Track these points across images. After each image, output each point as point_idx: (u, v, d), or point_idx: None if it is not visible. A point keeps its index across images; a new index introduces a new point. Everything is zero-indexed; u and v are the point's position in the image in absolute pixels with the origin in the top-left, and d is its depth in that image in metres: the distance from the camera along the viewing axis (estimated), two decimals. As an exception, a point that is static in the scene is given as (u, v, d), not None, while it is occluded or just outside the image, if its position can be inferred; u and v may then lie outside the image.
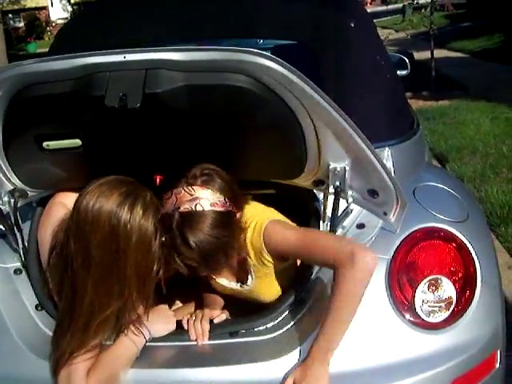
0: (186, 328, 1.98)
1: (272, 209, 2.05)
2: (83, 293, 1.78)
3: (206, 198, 1.78)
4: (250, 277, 2.05)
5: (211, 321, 2.00)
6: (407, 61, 4.52)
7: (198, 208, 1.76)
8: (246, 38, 3.11)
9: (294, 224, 2.03)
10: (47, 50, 3.26)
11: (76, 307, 1.80)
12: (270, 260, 1.96)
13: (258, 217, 1.96)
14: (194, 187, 1.79)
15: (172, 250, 1.79)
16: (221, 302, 2.24)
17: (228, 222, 1.82)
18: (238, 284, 2.10)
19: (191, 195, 1.78)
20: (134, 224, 1.76)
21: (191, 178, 1.82)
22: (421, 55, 10.78)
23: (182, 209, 1.77)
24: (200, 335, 1.94)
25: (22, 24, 36.79)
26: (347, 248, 1.81)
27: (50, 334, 1.98)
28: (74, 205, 1.82)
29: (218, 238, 1.78)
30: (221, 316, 2.04)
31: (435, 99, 9.30)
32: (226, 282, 2.13)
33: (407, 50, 6.56)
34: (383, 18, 23.90)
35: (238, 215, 1.87)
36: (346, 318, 1.81)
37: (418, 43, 14.10)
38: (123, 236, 1.75)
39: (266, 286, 2.05)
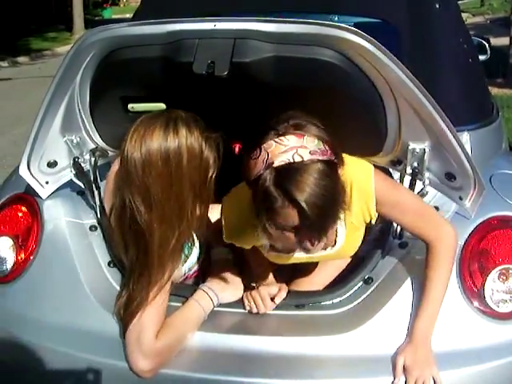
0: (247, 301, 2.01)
1: None
2: (151, 232, 1.80)
3: (303, 147, 1.52)
4: (338, 241, 1.92)
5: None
6: (487, 45, 4.42)
7: (297, 158, 1.49)
8: (326, 14, 3.09)
9: None
10: (122, 16, 3.30)
11: (147, 249, 1.83)
12: (374, 214, 1.85)
13: (361, 166, 1.82)
14: (286, 136, 1.54)
15: (275, 224, 1.54)
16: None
17: (333, 173, 1.54)
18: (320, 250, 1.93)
19: (285, 146, 1.52)
20: (183, 146, 1.75)
21: (281, 127, 1.57)
22: (497, 41, 10.46)
23: (276, 164, 1.50)
24: (261, 306, 1.96)
25: (98, -10, 37.23)
26: (447, 225, 1.88)
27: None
28: (120, 158, 1.83)
29: (328, 192, 1.49)
30: (281, 294, 2.01)
31: (510, 87, 9.06)
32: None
33: (483, 35, 6.41)
34: (460, 1, 23.24)
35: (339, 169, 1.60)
36: (442, 296, 1.86)
37: (496, 29, 13.68)
38: (175, 162, 1.75)
39: (349, 245, 1.96)
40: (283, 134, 1.55)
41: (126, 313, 1.89)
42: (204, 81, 1.67)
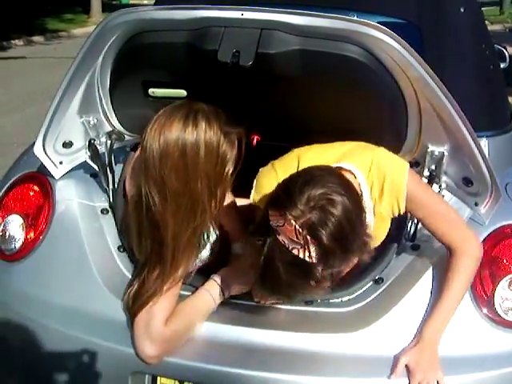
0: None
1: None
2: (165, 224, 1.80)
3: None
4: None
5: None
6: (506, 54, 4.39)
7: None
8: (348, 10, 3.07)
9: None
10: (139, 1, 3.28)
11: (162, 241, 1.83)
12: (403, 208, 1.83)
13: (397, 162, 1.82)
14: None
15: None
16: None
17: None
18: None
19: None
20: (201, 140, 1.74)
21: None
22: (515, 50, 10.43)
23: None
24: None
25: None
26: (474, 239, 1.88)
27: (129, 275, 2.05)
28: (141, 146, 1.84)
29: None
30: None
31: (525, 97, 8.99)
32: None
33: (501, 44, 6.36)
34: (479, 9, 23.12)
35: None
36: (457, 305, 1.86)
37: (513, 38, 13.64)
38: (192, 155, 1.74)
39: (375, 235, 1.88)
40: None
41: (136, 302, 1.89)
42: (227, 70, 1.65)
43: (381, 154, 1.82)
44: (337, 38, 1.64)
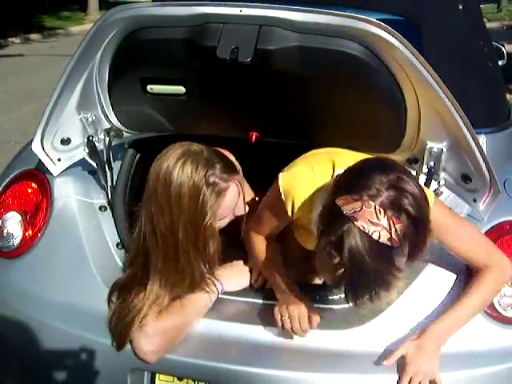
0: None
1: None
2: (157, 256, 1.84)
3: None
4: None
5: None
6: (504, 51, 4.40)
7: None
8: (347, 7, 3.07)
9: None
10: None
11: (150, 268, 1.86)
12: None
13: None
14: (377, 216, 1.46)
15: None
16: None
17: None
18: None
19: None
20: (184, 182, 1.74)
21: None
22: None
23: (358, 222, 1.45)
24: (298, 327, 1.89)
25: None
26: (504, 258, 1.86)
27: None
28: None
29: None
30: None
31: (524, 94, 9.01)
32: None
33: (498, 41, 6.35)
34: (477, 6, 23.12)
35: None
36: (472, 315, 1.85)
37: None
38: (175, 194, 1.75)
39: None
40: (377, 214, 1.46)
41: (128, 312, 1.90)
42: (227, 66, 1.65)
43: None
44: (336, 34, 1.64)
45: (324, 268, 1.58)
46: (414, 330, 1.86)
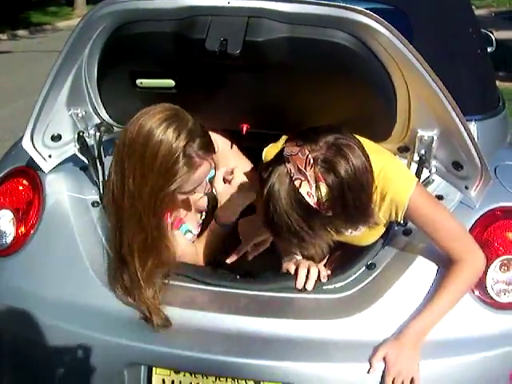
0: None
1: None
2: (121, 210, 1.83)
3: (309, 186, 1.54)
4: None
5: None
6: (493, 38, 4.41)
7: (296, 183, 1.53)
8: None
9: None
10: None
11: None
12: (400, 219, 1.86)
13: (403, 179, 1.82)
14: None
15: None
16: None
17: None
18: None
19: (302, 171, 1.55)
20: (163, 143, 1.74)
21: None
22: (501, 35, 10.41)
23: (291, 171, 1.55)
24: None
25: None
26: (478, 251, 1.87)
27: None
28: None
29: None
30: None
31: (513, 81, 9.03)
32: None
33: (487, 28, 6.37)
34: (464, -7, 23.12)
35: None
36: (448, 310, 1.85)
37: (499, 22, 13.67)
38: (151, 153, 1.74)
39: (369, 234, 1.96)
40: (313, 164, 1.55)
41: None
42: (216, 59, 1.65)
43: (392, 164, 1.83)
44: (325, 24, 1.64)
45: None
46: (405, 319, 1.86)
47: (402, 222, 1.92)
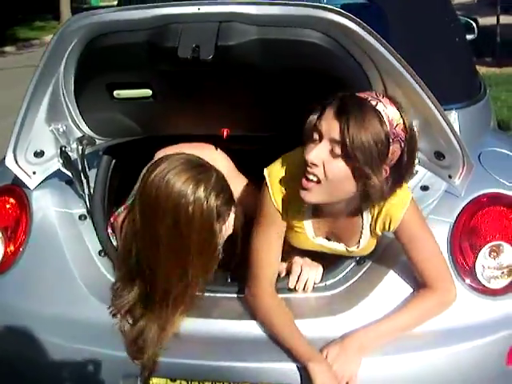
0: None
1: None
2: (156, 267, 1.79)
3: (385, 108, 1.62)
4: (362, 242, 1.93)
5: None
6: (474, 25, 4.43)
7: (373, 102, 1.62)
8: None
9: None
10: (110, 3, 3.27)
11: (152, 282, 1.82)
12: (393, 228, 1.85)
13: (400, 192, 1.77)
14: (385, 97, 1.66)
15: (318, 130, 1.65)
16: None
17: (381, 146, 1.60)
18: (345, 247, 1.96)
19: (376, 96, 1.64)
20: (197, 207, 1.70)
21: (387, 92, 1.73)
22: (485, 21, 10.43)
23: (358, 94, 1.64)
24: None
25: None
26: (452, 285, 1.89)
27: (112, 279, 2.05)
28: (142, 177, 1.81)
29: (371, 144, 1.58)
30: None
31: (499, 66, 9.08)
32: (325, 241, 1.98)
33: (471, 16, 6.40)
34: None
35: (386, 164, 1.65)
36: (403, 330, 1.85)
37: (484, 9, 13.67)
38: (184, 217, 1.70)
39: (368, 247, 1.97)
40: (384, 95, 1.68)
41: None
42: (190, 65, 1.65)
43: None
44: (296, 24, 1.65)
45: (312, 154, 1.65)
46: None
47: (390, 231, 1.89)
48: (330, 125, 1.61)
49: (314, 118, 1.68)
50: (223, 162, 2.09)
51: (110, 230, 2.13)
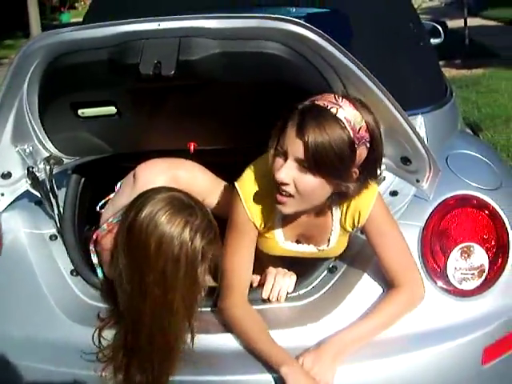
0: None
1: None
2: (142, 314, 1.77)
3: (346, 113, 1.63)
4: (332, 239, 1.94)
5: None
6: (440, 29, 4.47)
7: (333, 110, 1.62)
8: (279, 7, 3.10)
9: None
10: (81, 19, 3.26)
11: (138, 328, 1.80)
12: (362, 222, 1.86)
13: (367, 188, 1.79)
14: (344, 99, 1.66)
15: (282, 146, 1.66)
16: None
17: (347, 154, 1.62)
18: (315, 247, 1.97)
19: (336, 101, 1.65)
20: (183, 248, 1.71)
21: (348, 95, 1.71)
22: (454, 24, 10.58)
23: (316, 102, 1.65)
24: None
25: (55, -5, 36.62)
26: (421, 283, 1.90)
27: (85, 299, 2.04)
28: (125, 213, 1.80)
29: (336, 155, 1.60)
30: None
31: (468, 68, 9.18)
32: (294, 245, 1.98)
33: (440, 19, 6.48)
34: (415, -14, 23.43)
35: (354, 167, 1.67)
36: (376, 332, 1.86)
37: (452, 12, 13.86)
38: (171, 259, 1.71)
39: (339, 245, 1.97)
40: (344, 96, 1.68)
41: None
42: (153, 82, 1.65)
43: None
44: (255, 36, 1.66)
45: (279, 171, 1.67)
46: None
47: (359, 226, 1.89)
48: (293, 144, 1.63)
49: (276, 135, 1.69)
50: (203, 176, 2.10)
51: (91, 247, 2.11)
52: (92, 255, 2.10)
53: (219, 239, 1.85)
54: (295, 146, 1.62)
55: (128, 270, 1.76)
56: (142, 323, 1.77)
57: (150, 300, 1.73)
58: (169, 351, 1.80)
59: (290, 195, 1.69)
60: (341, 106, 1.63)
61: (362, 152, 1.66)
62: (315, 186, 1.67)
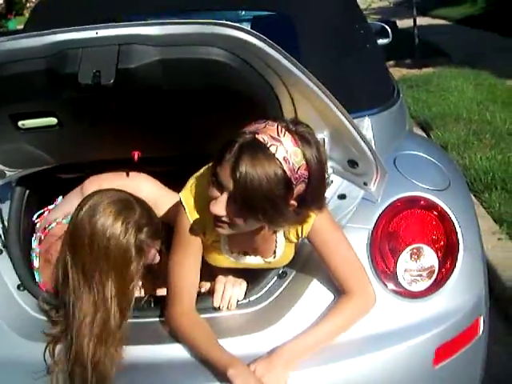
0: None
1: None
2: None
3: (285, 151, 1.57)
4: (278, 251, 1.94)
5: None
6: (388, 29, 4.51)
7: (272, 149, 1.56)
8: (226, 10, 3.08)
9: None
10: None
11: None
12: (305, 233, 1.86)
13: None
14: (287, 133, 1.59)
15: (216, 176, 1.63)
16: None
17: (280, 194, 1.57)
18: (262, 259, 1.98)
19: (278, 135, 1.58)
20: (113, 241, 1.80)
21: (292, 125, 1.62)
22: (404, 23, 10.71)
23: (258, 136, 1.58)
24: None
25: (1, 1, 36.06)
26: (371, 288, 1.89)
27: (33, 313, 1.99)
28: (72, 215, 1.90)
29: (265, 192, 1.56)
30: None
31: (418, 67, 9.29)
32: (241, 257, 1.99)
33: (389, 19, 6.55)
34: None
35: (292, 200, 1.64)
36: (328, 339, 1.85)
37: (401, 11, 14.02)
38: (103, 248, 1.80)
39: (285, 256, 1.97)
40: (287, 130, 1.60)
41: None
42: (92, 91, 1.62)
43: None
44: (196, 42, 1.62)
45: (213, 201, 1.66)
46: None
47: (303, 236, 1.89)
48: (227, 179, 1.59)
49: (215, 165, 1.65)
50: (148, 185, 2.12)
51: (35, 245, 2.13)
52: (34, 257, 2.10)
53: (161, 236, 1.93)
54: (229, 183, 1.58)
55: (71, 261, 1.84)
56: (84, 325, 1.82)
57: (91, 289, 1.82)
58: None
59: (226, 223, 1.68)
60: (281, 143, 1.57)
61: (300, 188, 1.62)
62: (249, 220, 1.66)
